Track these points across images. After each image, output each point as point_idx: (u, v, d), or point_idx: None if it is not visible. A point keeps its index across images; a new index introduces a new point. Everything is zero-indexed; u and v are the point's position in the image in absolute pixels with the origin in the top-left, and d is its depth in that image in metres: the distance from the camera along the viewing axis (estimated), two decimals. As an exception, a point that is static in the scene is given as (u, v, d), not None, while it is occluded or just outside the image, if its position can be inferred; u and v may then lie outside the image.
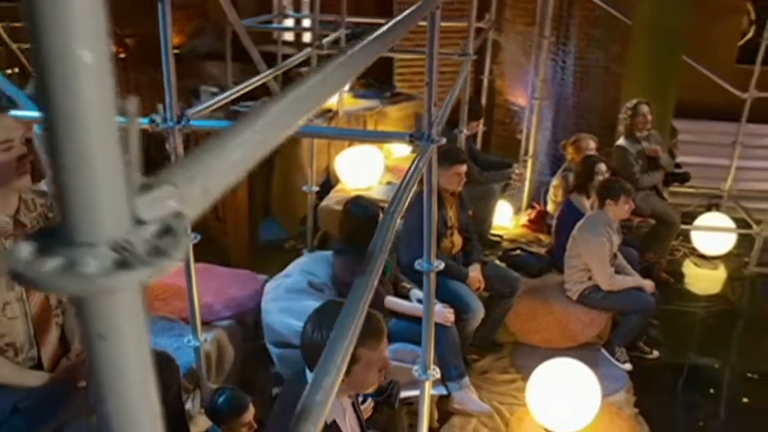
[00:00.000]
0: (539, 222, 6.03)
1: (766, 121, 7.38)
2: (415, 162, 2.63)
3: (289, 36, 8.60)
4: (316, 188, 5.26)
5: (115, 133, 0.43)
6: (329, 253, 4.08)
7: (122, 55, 9.03)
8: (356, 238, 3.79)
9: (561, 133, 7.05)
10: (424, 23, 2.22)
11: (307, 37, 10.04)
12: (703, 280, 6.52)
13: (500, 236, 5.88)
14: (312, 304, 3.72)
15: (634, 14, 6.10)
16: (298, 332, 3.60)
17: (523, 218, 6.23)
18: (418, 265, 2.96)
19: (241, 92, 3.51)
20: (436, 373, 2.59)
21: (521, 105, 7.56)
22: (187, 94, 6.75)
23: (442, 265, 3.02)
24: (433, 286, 3.14)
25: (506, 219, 6.08)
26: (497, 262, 5.16)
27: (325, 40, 5.25)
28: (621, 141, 5.74)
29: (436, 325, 3.63)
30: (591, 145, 5.70)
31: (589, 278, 4.65)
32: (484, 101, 6.57)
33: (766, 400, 4.74)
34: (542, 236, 5.91)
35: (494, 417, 3.95)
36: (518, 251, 5.36)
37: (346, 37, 5.61)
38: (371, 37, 1.24)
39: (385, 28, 1.44)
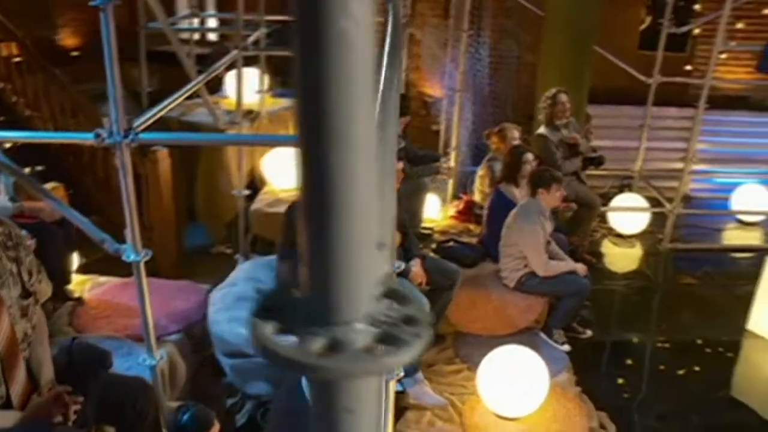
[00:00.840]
0: (467, 212, 6.14)
1: (668, 103, 7.74)
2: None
3: (199, 35, 8.41)
4: (246, 192, 5.18)
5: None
6: (272, 258, 4.03)
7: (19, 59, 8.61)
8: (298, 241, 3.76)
9: (479, 124, 7.19)
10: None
11: (213, 36, 9.87)
12: (622, 259, 6.82)
13: (431, 229, 5.95)
14: (262, 310, 3.69)
15: (547, 5, 6.28)
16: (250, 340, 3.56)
17: (451, 210, 6.33)
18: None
19: (177, 99, 3.41)
20: (400, 371, 2.60)
21: (437, 97, 7.66)
22: (93, 99, 6.49)
23: (402, 266, 3.05)
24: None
25: (435, 211, 6.16)
26: (432, 254, 5.22)
27: (249, 41, 5.17)
28: (542, 129, 5.91)
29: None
30: (515, 134, 5.85)
31: (525, 266, 4.78)
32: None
33: (687, 366, 5.03)
34: (471, 226, 6.02)
35: (447, 408, 4.02)
36: (451, 243, 5.44)
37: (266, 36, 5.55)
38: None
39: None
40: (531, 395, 3.86)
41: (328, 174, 0.41)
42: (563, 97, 5.82)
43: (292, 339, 0.43)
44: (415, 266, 4.47)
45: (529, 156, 5.26)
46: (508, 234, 4.83)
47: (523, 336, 4.69)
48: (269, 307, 0.45)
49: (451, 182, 6.55)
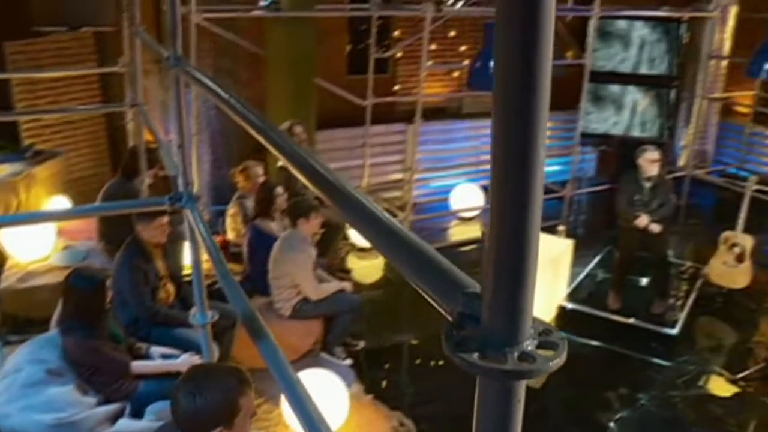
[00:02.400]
0: (223, 252, 6.19)
1: (381, 121, 8.42)
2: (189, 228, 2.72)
3: None
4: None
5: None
6: (51, 334, 3.82)
7: None
8: (84, 312, 3.64)
9: (217, 164, 7.28)
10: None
11: None
12: (370, 270, 7.31)
13: (180, 276, 5.93)
14: (57, 391, 3.51)
15: (266, 43, 6.58)
16: (51, 425, 3.37)
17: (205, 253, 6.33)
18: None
19: None
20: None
21: (166, 141, 7.60)
22: None
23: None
24: (210, 338, 3.22)
25: (188, 258, 6.13)
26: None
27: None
28: (282, 162, 6.18)
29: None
30: (258, 171, 6.05)
31: (298, 293, 5.02)
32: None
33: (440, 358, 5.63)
34: (230, 265, 6.08)
35: (258, 444, 4.11)
36: (217, 285, 5.49)
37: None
38: None
39: None
40: (335, 412, 4.09)
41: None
42: (298, 129, 6.15)
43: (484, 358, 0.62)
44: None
45: (279, 190, 5.51)
46: (276, 266, 5.02)
47: (307, 359, 4.92)
48: (458, 342, 0.63)
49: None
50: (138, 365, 3.80)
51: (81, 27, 7.44)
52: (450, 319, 0.71)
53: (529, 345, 0.64)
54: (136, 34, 4.53)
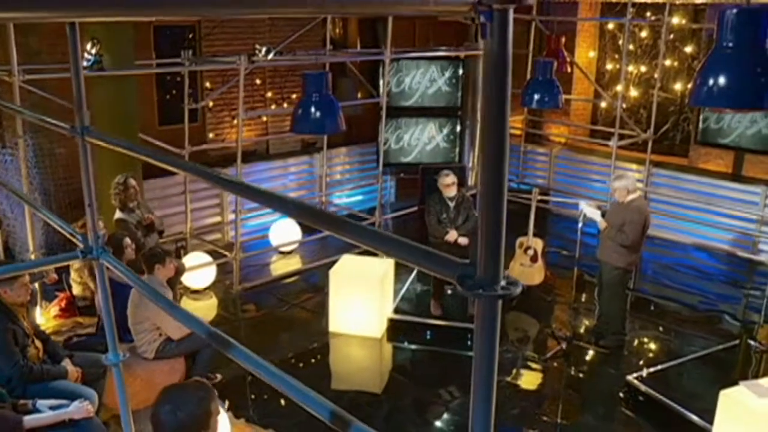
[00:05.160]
0: (70, 308, 6.30)
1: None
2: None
3: None
4: None
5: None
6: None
7: None
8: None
9: (46, 223, 7.31)
10: None
11: None
12: (207, 310, 7.66)
13: (44, 332, 6.00)
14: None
15: (89, 97, 6.78)
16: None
17: (53, 310, 6.40)
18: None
19: None
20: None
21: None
22: None
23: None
24: (122, 379, 3.57)
25: (38, 317, 6.19)
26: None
27: None
28: (119, 214, 6.44)
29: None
30: (100, 225, 6.23)
31: (160, 334, 5.34)
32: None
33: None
34: (80, 319, 6.22)
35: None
36: (74, 338, 5.66)
37: None
38: None
39: None
40: (220, 434, 4.50)
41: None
42: (132, 182, 6.44)
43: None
44: (68, 365, 4.72)
45: (128, 240, 5.78)
46: (137, 313, 5.31)
47: (175, 396, 5.25)
48: (468, 287, 1.25)
49: (37, 284, 6.58)
50: (32, 419, 4.00)
51: None
52: (455, 281, 1.31)
53: (503, 284, 1.26)
54: None
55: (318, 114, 6.26)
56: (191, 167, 2.27)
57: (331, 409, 1.64)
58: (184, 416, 2.60)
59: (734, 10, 3.74)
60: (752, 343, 6.66)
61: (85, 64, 6.39)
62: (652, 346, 7.09)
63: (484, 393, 1.33)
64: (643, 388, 5.78)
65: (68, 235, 3.03)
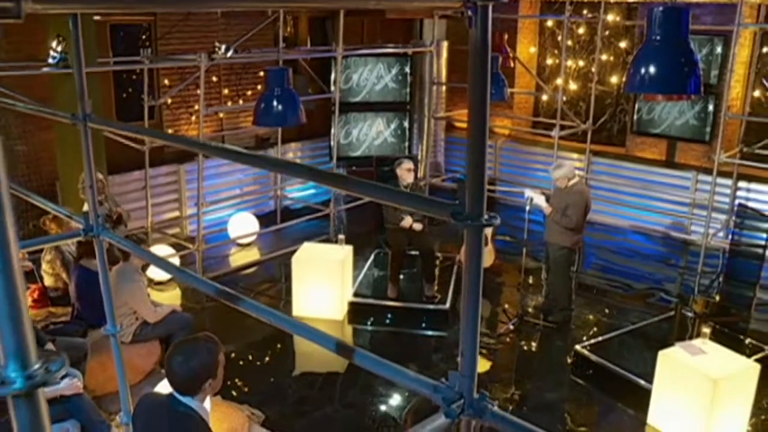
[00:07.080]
0: (43, 299, 6.47)
1: (153, 164, 8.96)
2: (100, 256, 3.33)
3: None
4: None
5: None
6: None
7: None
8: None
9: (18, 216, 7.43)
10: None
11: None
12: (170, 300, 7.85)
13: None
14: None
15: (54, 93, 6.98)
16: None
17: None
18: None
19: None
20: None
21: None
22: None
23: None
24: (119, 349, 3.83)
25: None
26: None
27: None
28: (87, 207, 6.62)
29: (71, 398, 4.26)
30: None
31: (137, 318, 5.59)
32: None
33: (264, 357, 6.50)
34: (53, 309, 6.40)
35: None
36: (50, 326, 5.85)
37: None
38: None
39: None
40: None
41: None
42: (99, 176, 6.64)
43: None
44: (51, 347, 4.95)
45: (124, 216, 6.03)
46: (115, 298, 5.54)
47: (153, 378, 5.51)
48: (461, 220, 1.62)
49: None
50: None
51: None
52: (449, 216, 1.67)
53: (485, 217, 1.63)
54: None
55: (280, 107, 6.60)
56: (211, 147, 2.58)
57: (336, 341, 1.98)
58: (196, 363, 2.91)
59: (661, 8, 4.22)
60: (687, 314, 7.23)
61: (51, 61, 6.58)
62: (597, 319, 7.62)
63: (472, 312, 1.65)
64: (590, 356, 6.27)
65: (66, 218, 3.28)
